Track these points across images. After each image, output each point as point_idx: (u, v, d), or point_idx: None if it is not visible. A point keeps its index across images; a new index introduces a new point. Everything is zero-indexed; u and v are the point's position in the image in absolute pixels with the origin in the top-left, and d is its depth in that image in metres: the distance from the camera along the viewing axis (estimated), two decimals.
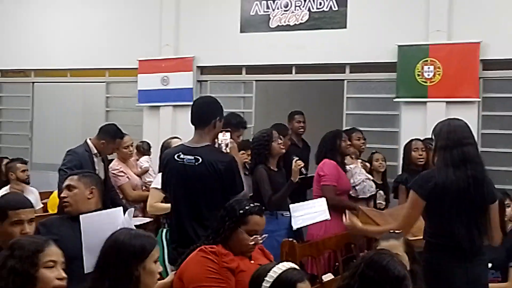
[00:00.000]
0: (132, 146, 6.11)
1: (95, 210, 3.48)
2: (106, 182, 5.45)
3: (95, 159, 5.40)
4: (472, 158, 3.35)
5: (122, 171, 5.86)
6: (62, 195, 3.55)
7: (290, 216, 4.55)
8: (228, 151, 3.73)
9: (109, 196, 5.52)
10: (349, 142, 5.51)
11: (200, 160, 3.63)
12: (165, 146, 4.95)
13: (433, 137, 3.54)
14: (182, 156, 3.71)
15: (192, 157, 3.66)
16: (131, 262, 2.39)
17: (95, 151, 5.39)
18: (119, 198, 5.71)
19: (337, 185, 5.09)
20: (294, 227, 4.54)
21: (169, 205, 4.49)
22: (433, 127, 3.56)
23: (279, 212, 4.78)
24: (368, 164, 6.03)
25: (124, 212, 5.38)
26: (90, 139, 5.46)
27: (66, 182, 3.53)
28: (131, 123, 8.17)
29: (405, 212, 3.55)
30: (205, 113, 3.78)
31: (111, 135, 5.47)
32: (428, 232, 3.44)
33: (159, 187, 4.57)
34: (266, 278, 2.32)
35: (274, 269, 2.31)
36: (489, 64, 6.42)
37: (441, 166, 3.37)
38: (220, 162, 3.61)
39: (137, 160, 6.56)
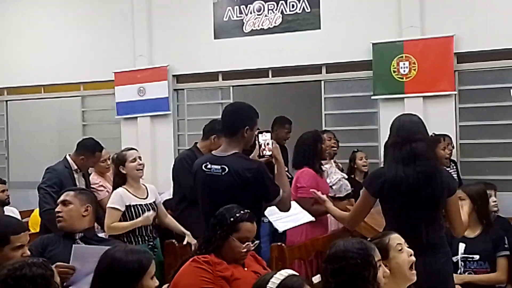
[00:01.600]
0: (109, 159, 6.03)
1: (88, 229, 3.47)
2: None
3: (76, 175, 5.33)
4: (422, 154, 3.36)
5: (101, 185, 5.77)
6: (57, 209, 3.52)
7: (269, 222, 4.53)
8: (269, 153, 3.64)
9: None
10: (328, 144, 5.51)
11: (227, 169, 3.53)
12: (119, 159, 4.68)
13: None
14: (209, 166, 3.62)
15: (219, 167, 3.56)
16: (129, 281, 2.37)
17: (75, 167, 5.32)
18: (101, 212, 5.61)
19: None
20: (280, 230, 4.51)
21: (129, 223, 4.47)
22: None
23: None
24: (340, 164, 6.06)
25: None
26: (69, 155, 5.39)
27: (62, 197, 3.53)
28: (109, 136, 8.08)
29: (355, 208, 3.65)
30: (232, 123, 3.66)
31: (90, 150, 5.41)
32: (386, 228, 3.46)
33: (115, 206, 4.48)
34: None
35: (272, 279, 2.29)
36: (463, 57, 6.47)
37: (390, 163, 3.41)
38: (247, 170, 3.49)
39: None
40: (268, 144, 3.66)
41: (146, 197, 4.67)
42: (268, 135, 3.69)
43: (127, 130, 8.07)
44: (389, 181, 3.34)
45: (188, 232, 4.83)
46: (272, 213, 4.38)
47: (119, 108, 8.03)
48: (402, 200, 3.33)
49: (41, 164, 5.57)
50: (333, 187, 5.53)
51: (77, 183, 5.26)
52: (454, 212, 3.49)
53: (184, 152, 5.69)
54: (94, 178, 5.77)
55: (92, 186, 5.63)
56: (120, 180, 4.65)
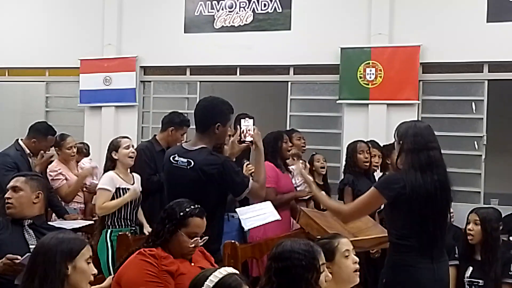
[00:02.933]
0: (75, 147, 5.96)
1: (38, 216, 3.41)
2: None
3: (30, 160, 5.25)
4: (438, 162, 3.38)
5: (60, 173, 5.68)
6: (6, 195, 3.42)
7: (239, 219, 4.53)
8: (251, 139, 3.63)
9: (48, 198, 5.38)
10: (290, 144, 5.51)
11: (192, 163, 3.49)
12: (114, 145, 4.83)
13: (395, 137, 3.54)
14: (177, 158, 3.58)
15: (185, 160, 3.53)
16: (60, 260, 2.36)
17: (28, 151, 5.24)
18: (57, 200, 5.56)
19: (276, 187, 5.07)
20: (246, 228, 4.50)
21: (118, 200, 4.62)
22: (397, 128, 3.55)
23: (230, 214, 4.74)
24: (308, 165, 6.07)
25: (62, 214, 5.31)
26: (21, 139, 5.31)
27: (12, 183, 3.44)
28: (72, 123, 8.01)
29: (358, 205, 3.57)
30: (204, 118, 3.63)
31: (42, 133, 5.33)
32: (395, 234, 3.45)
33: (106, 187, 4.64)
34: (204, 287, 2.28)
35: (211, 277, 2.28)
36: (428, 67, 6.56)
37: (408, 169, 3.37)
38: (211, 166, 3.46)
39: (78, 161, 6.41)
40: (249, 130, 3.65)
41: (133, 184, 4.83)
42: (251, 121, 3.68)
43: (90, 119, 7.98)
44: (409, 186, 3.31)
45: (145, 223, 4.87)
46: (244, 212, 4.40)
47: (82, 96, 7.92)
48: (419, 206, 3.31)
49: (2, 147, 5.47)
50: (298, 188, 5.55)
51: (33, 168, 5.18)
52: None
53: (143, 143, 5.69)
54: (54, 165, 5.67)
55: (50, 173, 5.55)
56: (110, 165, 4.80)
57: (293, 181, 5.51)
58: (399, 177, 3.41)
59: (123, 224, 4.70)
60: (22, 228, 3.34)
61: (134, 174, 4.94)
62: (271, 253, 2.55)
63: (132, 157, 4.83)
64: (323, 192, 4.03)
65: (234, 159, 3.77)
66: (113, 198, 4.64)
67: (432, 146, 3.40)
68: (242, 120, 3.69)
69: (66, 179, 5.71)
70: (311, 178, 4.14)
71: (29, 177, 3.49)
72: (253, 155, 3.78)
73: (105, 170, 4.83)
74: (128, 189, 4.70)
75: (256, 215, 4.44)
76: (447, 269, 3.53)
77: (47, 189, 3.67)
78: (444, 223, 3.45)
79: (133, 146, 4.91)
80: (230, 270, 2.34)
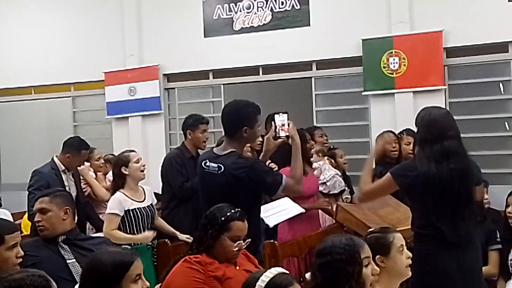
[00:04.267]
0: (102, 158, 6.03)
1: (70, 230, 3.42)
2: (78, 198, 5.39)
3: (64, 176, 5.32)
4: (455, 151, 3.33)
5: (85, 184, 5.76)
6: (36, 219, 3.41)
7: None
8: (286, 133, 3.64)
9: (85, 212, 5.47)
10: (312, 142, 5.48)
11: (223, 168, 3.53)
12: (122, 160, 4.65)
13: (416, 125, 3.53)
14: (208, 163, 3.62)
15: (216, 165, 3.57)
16: (104, 284, 2.35)
17: (63, 168, 5.31)
18: (94, 212, 5.65)
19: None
20: (271, 224, 4.50)
21: (128, 237, 4.47)
22: (416, 115, 3.53)
23: None
24: (333, 161, 6.05)
25: (99, 226, 5.35)
26: (56, 156, 5.38)
27: (38, 205, 3.41)
28: (100, 136, 8.10)
29: (374, 187, 3.62)
30: (230, 123, 3.66)
31: (75, 148, 5.39)
32: (416, 223, 3.45)
33: (114, 211, 4.49)
34: None
35: (262, 277, 2.30)
36: (452, 52, 6.49)
37: (422, 159, 3.36)
38: (240, 170, 3.48)
39: (106, 173, 6.47)
40: (284, 125, 3.65)
41: (144, 200, 4.68)
42: (285, 116, 3.68)
43: (118, 130, 8.06)
44: (422, 176, 3.30)
45: (177, 232, 4.86)
46: (264, 210, 4.38)
47: (109, 108, 8.01)
48: (433, 197, 3.30)
49: (32, 166, 5.54)
50: (327, 183, 5.52)
51: (66, 184, 5.26)
52: (478, 200, 3.56)
53: (173, 151, 5.72)
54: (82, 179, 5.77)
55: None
56: (120, 181, 4.63)
57: (321, 177, 5.49)
58: (414, 166, 3.40)
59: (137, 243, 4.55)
60: (56, 245, 3.34)
61: (145, 187, 4.80)
62: (316, 250, 2.57)
63: (143, 171, 4.69)
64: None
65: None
66: (123, 220, 4.50)
67: (448, 135, 3.35)
68: (276, 116, 3.68)
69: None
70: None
71: (52, 196, 3.45)
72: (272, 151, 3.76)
73: (115, 188, 4.67)
74: (139, 208, 4.56)
75: (278, 211, 4.46)
76: (476, 257, 3.45)
77: (73, 201, 3.63)
78: (467, 210, 3.38)
79: (141, 159, 4.76)
80: (280, 270, 2.36)
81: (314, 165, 5.49)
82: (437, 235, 3.31)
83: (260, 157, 3.93)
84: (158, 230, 4.82)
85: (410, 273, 2.90)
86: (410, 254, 2.92)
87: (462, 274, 3.30)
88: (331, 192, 5.53)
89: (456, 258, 3.29)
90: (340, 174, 5.78)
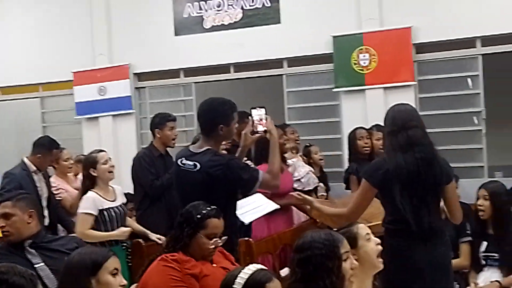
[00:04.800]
0: (71, 159, 5.95)
1: (36, 233, 3.30)
2: (50, 199, 5.32)
3: (35, 177, 5.25)
4: (419, 141, 3.38)
5: (59, 188, 5.68)
6: (0, 224, 3.26)
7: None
8: (264, 128, 3.64)
9: (56, 213, 5.40)
10: (286, 137, 5.49)
11: (198, 166, 3.51)
12: (90, 161, 4.57)
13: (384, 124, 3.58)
14: (184, 161, 3.61)
15: (192, 163, 3.55)
16: (82, 276, 2.37)
17: (34, 168, 5.23)
18: (65, 214, 5.57)
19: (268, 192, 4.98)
20: (246, 222, 4.49)
21: (104, 234, 4.43)
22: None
23: None
24: (305, 158, 6.08)
25: (71, 228, 5.29)
26: (26, 157, 5.29)
27: (1, 210, 3.26)
28: (70, 136, 7.99)
29: (355, 201, 3.58)
30: (205, 122, 3.65)
31: (46, 147, 5.32)
32: (387, 219, 3.49)
33: (88, 211, 4.41)
34: (235, 286, 2.30)
35: (241, 274, 2.31)
36: (421, 47, 6.57)
37: (389, 152, 3.41)
38: (216, 167, 3.47)
39: (77, 174, 6.39)
40: (262, 119, 3.64)
41: (115, 200, 4.62)
42: (263, 110, 3.67)
43: (88, 131, 7.98)
44: (391, 170, 3.33)
45: (148, 232, 4.83)
46: (238, 207, 4.37)
47: (78, 108, 7.92)
48: (404, 187, 3.32)
49: (0, 168, 5.46)
50: (302, 180, 5.54)
51: (38, 185, 5.19)
52: (453, 199, 3.52)
53: (141, 150, 5.69)
54: (52, 180, 5.68)
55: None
56: (89, 183, 4.55)
57: (295, 174, 5.50)
58: (381, 162, 3.44)
59: (113, 242, 4.50)
60: (23, 250, 3.23)
61: (115, 186, 4.73)
62: (294, 245, 2.57)
63: (112, 171, 4.62)
64: (323, 206, 3.99)
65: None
66: (96, 220, 4.43)
67: (411, 125, 3.40)
68: (253, 110, 3.67)
69: (65, 191, 5.73)
70: (308, 198, 4.01)
71: (15, 199, 3.30)
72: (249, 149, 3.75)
73: (84, 189, 4.57)
74: (112, 208, 4.51)
75: (253, 208, 4.44)
76: (444, 251, 3.49)
77: (37, 203, 3.54)
78: (433, 202, 3.42)
79: (110, 159, 4.66)
80: (259, 266, 2.36)
81: (288, 162, 5.50)
82: (406, 229, 3.34)
83: (237, 153, 3.92)
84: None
85: (381, 265, 2.91)
86: (379, 241, 2.93)
87: (432, 268, 3.34)
88: (305, 189, 5.54)
89: (426, 252, 3.33)
90: (313, 170, 5.81)
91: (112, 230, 4.51)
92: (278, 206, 4.54)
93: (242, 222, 4.50)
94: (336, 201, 4.86)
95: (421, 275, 3.33)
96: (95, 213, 4.43)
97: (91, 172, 4.53)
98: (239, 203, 4.35)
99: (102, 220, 4.46)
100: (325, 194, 5.80)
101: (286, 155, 5.45)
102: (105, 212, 4.47)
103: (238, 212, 4.29)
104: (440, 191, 3.45)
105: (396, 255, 3.35)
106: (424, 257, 3.32)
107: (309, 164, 6.02)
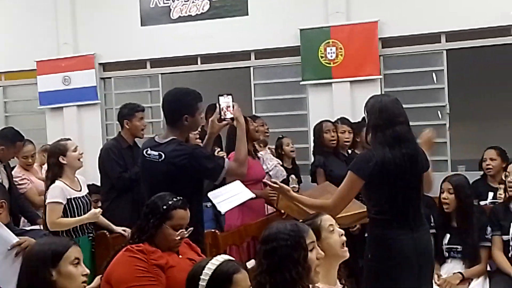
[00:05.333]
0: (33, 156, 5.84)
1: (6, 224, 3.28)
2: (11, 190, 5.23)
3: None
4: (405, 137, 3.43)
5: (24, 178, 5.62)
6: None
7: (213, 205, 4.51)
8: (231, 115, 3.62)
9: (18, 204, 5.31)
10: (255, 124, 5.48)
11: (163, 156, 3.49)
12: (60, 149, 4.49)
13: (365, 113, 3.58)
14: (149, 151, 3.57)
15: (157, 153, 3.52)
16: (41, 267, 2.33)
17: None
18: (28, 205, 5.49)
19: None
20: (223, 211, 4.48)
21: (75, 219, 4.40)
22: (365, 103, 3.59)
23: (203, 204, 4.72)
24: (274, 150, 6.08)
25: (34, 220, 5.23)
26: None
27: None
28: (34, 127, 7.88)
29: (340, 193, 3.57)
30: (170, 113, 3.63)
31: (9, 139, 5.24)
32: (373, 210, 3.52)
33: (57, 200, 4.35)
34: (202, 276, 2.31)
35: (208, 265, 2.30)
36: (387, 42, 6.63)
37: (377, 145, 3.43)
38: (181, 157, 3.45)
39: (42, 165, 6.30)
40: (229, 107, 3.63)
41: (80, 189, 4.58)
42: (230, 97, 3.65)
43: (52, 121, 7.86)
44: (379, 163, 3.36)
45: (112, 225, 4.78)
46: (215, 196, 4.37)
47: (42, 98, 7.80)
48: (390, 181, 3.37)
49: None
50: (270, 173, 5.54)
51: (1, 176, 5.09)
52: (427, 179, 3.65)
53: (109, 142, 5.65)
54: (17, 171, 5.63)
55: (14, 179, 5.47)
56: (58, 171, 4.47)
57: (264, 167, 5.51)
58: (370, 155, 3.47)
59: (79, 233, 4.46)
60: None
61: (79, 177, 4.67)
62: (260, 237, 2.58)
63: (81, 159, 4.59)
64: (301, 196, 3.96)
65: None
66: (64, 210, 4.37)
67: (398, 121, 3.43)
68: (221, 98, 3.65)
69: (30, 183, 5.65)
70: (285, 187, 3.92)
71: None
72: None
73: (52, 178, 4.47)
74: (79, 197, 4.47)
75: (229, 197, 4.43)
76: (428, 238, 3.61)
77: (7, 194, 3.50)
78: (418, 194, 3.51)
79: (78, 147, 4.63)
80: (226, 257, 2.36)
81: (258, 154, 5.50)
82: (394, 219, 3.40)
83: (204, 141, 3.90)
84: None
85: (347, 254, 2.94)
86: (342, 231, 2.96)
87: (418, 255, 3.41)
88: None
89: (412, 240, 3.40)
90: (281, 163, 5.82)
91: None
92: (253, 195, 4.53)
93: (219, 212, 4.50)
94: (303, 193, 4.86)
95: (409, 263, 3.39)
96: (64, 201, 4.38)
97: (60, 160, 4.46)
98: (217, 190, 4.37)
99: (69, 209, 4.41)
100: (296, 186, 5.82)
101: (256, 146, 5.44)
102: (72, 202, 4.43)
103: (214, 201, 4.30)
104: (422, 183, 3.55)
105: (383, 244, 3.42)
106: (412, 245, 3.39)
107: (281, 156, 6.04)
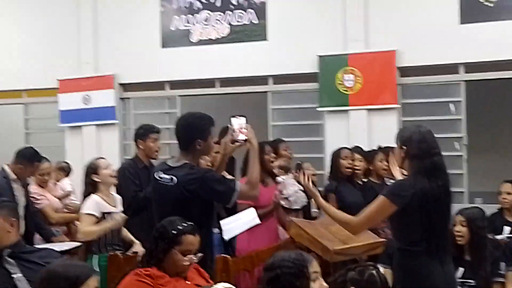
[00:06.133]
0: (49, 174, 5.90)
1: (16, 243, 3.26)
2: (28, 208, 5.28)
3: (14, 185, 5.19)
4: (442, 168, 3.43)
5: (41, 195, 5.69)
6: None
7: (221, 231, 4.51)
8: (244, 137, 3.61)
9: (34, 221, 5.36)
10: (273, 155, 5.46)
11: (175, 180, 3.48)
12: (92, 168, 4.62)
13: (398, 142, 3.56)
14: (161, 175, 3.58)
15: (169, 177, 3.52)
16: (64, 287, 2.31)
17: (14, 177, 5.18)
18: (43, 223, 5.54)
19: (252, 204, 4.75)
20: (226, 237, 4.47)
21: (101, 226, 4.44)
22: (399, 133, 3.57)
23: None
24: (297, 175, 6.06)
25: (49, 237, 5.28)
26: (7, 164, 5.25)
27: None
28: (53, 144, 7.97)
29: (368, 214, 3.50)
30: (182, 137, 3.63)
31: (28, 159, 5.28)
32: (406, 240, 3.47)
33: (91, 212, 4.42)
34: None
35: None
36: (406, 71, 6.64)
37: (416, 176, 3.42)
38: (192, 181, 3.44)
39: (57, 181, 6.35)
40: (242, 128, 3.62)
41: (115, 206, 4.66)
42: (243, 119, 3.63)
43: (71, 139, 7.95)
44: (419, 192, 3.33)
45: (137, 241, 4.80)
46: (227, 223, 4.36)
47: (62, 116, 7.90)
48: (426, 211, 3.35)
49: None
50: (290, 199, 5.51)
51: (16, 193, 5.14)
52: None
53: (126, 161, 5.68)
54: (33, 188, 5.68)
55: (31, 196, 5.53)
56: (92, 189, 4.56)
57: (284, 192, 5.50)
58: (408, 184, 3.44)
59: (107, 249, 4.51)
60: (1, 259, 3.17)
61: (115, 195, 4.76)
62: (265, 264, 2.58)
63: (114, 176, 4.69)
64: (330, 205, 3.88)
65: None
66: (98, 224, 4.43)
67: (436, 152, 3.43)
68: (234, 119, 3.64)
69: (47, 200, 5.72)
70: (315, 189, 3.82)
71: None
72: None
73: (86, 196, 4.57)
74: (112, 213, 4.53)
75: (236, 224, 4.43)
76: (454, 271, 3.61)
77: (17, 211, 3.50)
78: (448, 226, 3.53)
79: (110, 165, 4.72)
80: (227, 285, 2.36)
81: (278, 179, 5.49)
82: (427, 251, 3.36)
83: (217, 162, 3.91)
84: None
85: None
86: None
87: (448, 286, 3.39)
88: (293, 207, 5.55)
89: (443, 273, 3.37)
90: (303, 189, 5.79)
91: (112, 235, 4.55)
92: (259, 222, 4.51)
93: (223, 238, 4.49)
94: (314, 222, 4.85)
95: None
96: (98, 215, 4.44)
97: (94, 178, 4.56)
98: (229, 219, 4.36)
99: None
100: (317, 210, 5.80)
101: (276, 171, 5.44)
102: (107, 216, 4.50)
103: (224, 228, 4.29)
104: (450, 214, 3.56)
105: (414, 276, 3.37)
106: (443, 278, 3.35)
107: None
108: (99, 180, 4.58)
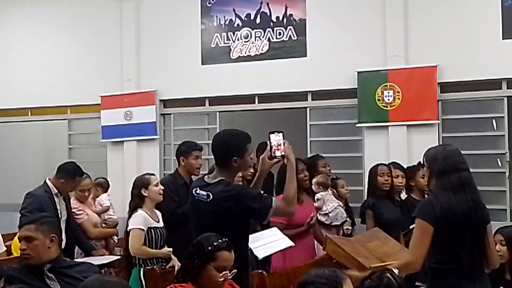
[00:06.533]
0: (90, 190, 6.01)
1: (56, 257, 3.32)
2: (69, 221, 5.38)
3: (56, 199, 5.30)
4: (469, 182, 3.39)
5: (80, 209, 5.80)
6: (21, 247, 3.27)
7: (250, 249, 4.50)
8: (282, 153, 3.62)
9: (74, 235, 5.46)
10: (306, 173, 5.42)
11: (211, 196, 3.52)
12: (143, 182, 4.78)
13: (424, 162, 3.56)
14: (198, 191, 3.62)
15: (205, 193, 3.57)
16: None
17: (56, 191, 5.29)
18: (84, 237, 5.65)
19: (285, 222, 4.86)
20: (260, 257, 4.46)
21: (153, 251, 4.62)
22: (425, 154, 3.57)
23: None
24: (335, 191, 6.04)
25: (89, 251, 5.38)
26: (49, 179, 5.37)
27: (23, 233, 3.27)
28: (95, 159, 8.12)
29: (414, 244, 3.46)
30: (219, 154, 3.67)
31: (70, 174, 5.37)
32: (436, 258, 3.43)
33: (140, 227, 4.60)
34: None
35: None
36: (446, 87, 6.57)
37: (441, 192, 3.39)
38: (227, 198, 3.47)
39: (96, 197, 6.46)
40: (280, 144, 3.62)
41: (158, 221, 4.82)
42: (280, 135, 3.62)
43: (113, 154, 8.08)
44: (445, 208, 3.32)
45: (174, 257, 4.85)
46: (253, 241, 4.36)
47: (104, 132, 8.05)
48: (456, 227, 3.32)
49: (26, 187, 5.53)
50: (330, 214, 5.53)
51: (58, 207, 5.24)
52: (491, 238, 3.54)
53: (166, 177, 5.74)
54: (73, 203, 5.78)
55: (72, 210, 5.64)
56: (139, 202, 4.75)
57: (324, 208, 5.49)
58: (433, 200, 3.41)
59: (154, 262, 4.66)
60: (42, 274, 3.23)
61: (157, 211, 4.91)
62: (299, 280, 2.58)
63: (162, 194, 4.85)
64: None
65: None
66: (144, 238, 4.63)
67: (463, 167, 3.41)
68: (272, 135, 3.63)
69: (86, 215, 5.83)
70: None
71: (38, 223, 3.31)
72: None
73: (133, 208, 4.76)
74: (158, 228, 4.73)
75: (267, 243, 4.40)
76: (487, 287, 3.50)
77: (59, 227, 3.56)
78: (482, 242, 3.42)
79: (159, 183, 4.90)
80: None
81: (317, 196, 5.48)
82: (457, 268, 3.33)
83: (255, 179, 3.92)
84: None
85: None
86: None
87: None
88: (333, 223, 5.54)
89: None
90: (342, 205, 5.78)
91: (157, 248, 4.71)
92: (292, 244, 4.51)
93: (257, 257, 4.49)
94: (351, 239, 4.80)
95: None
96: (145, 229, 4.63)
97: (142, 192, 4.74)
98: (254, 235, 4.35)
99: (149, 238, 4.66)
100: (350, 228, 5.77)
101: (314, 187, 5.43)
102: (152, 231, 4.68)
103: (252, 246, 4.28)
104: (484, 231, 3.45)
105: None
106: None
107: (334, 196, 6.00)
108: (147, 195, 4.75)
